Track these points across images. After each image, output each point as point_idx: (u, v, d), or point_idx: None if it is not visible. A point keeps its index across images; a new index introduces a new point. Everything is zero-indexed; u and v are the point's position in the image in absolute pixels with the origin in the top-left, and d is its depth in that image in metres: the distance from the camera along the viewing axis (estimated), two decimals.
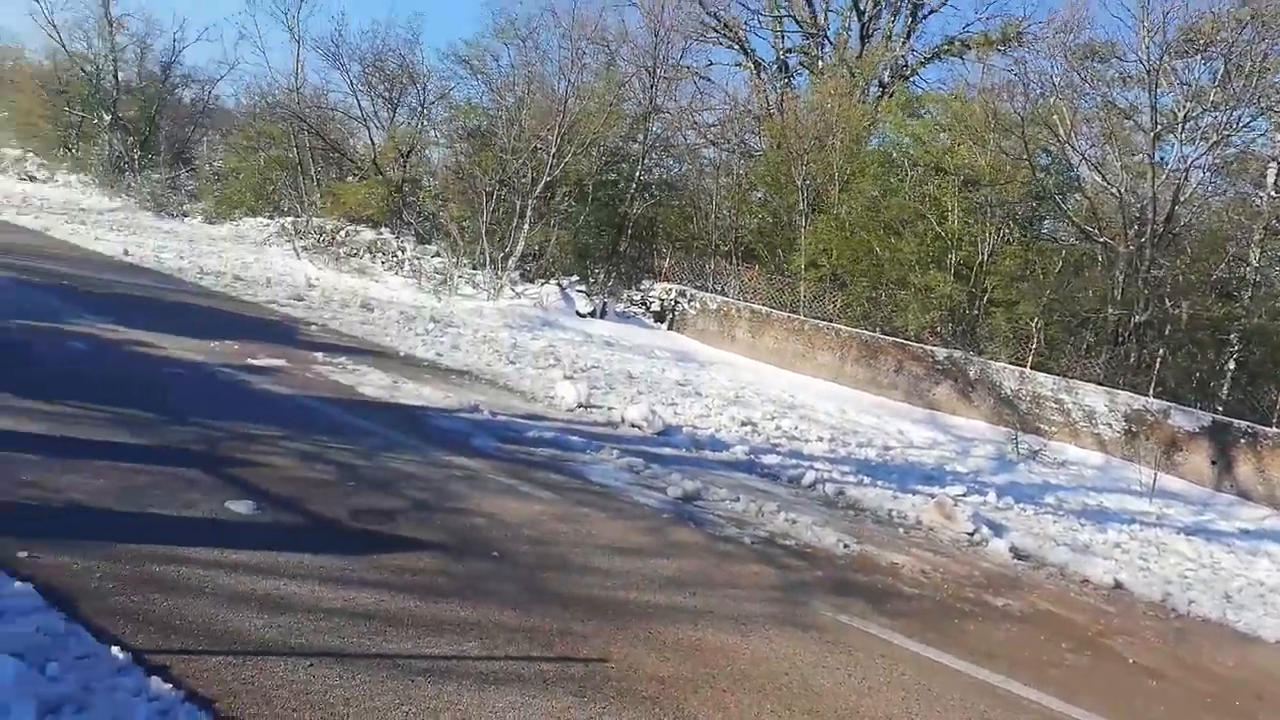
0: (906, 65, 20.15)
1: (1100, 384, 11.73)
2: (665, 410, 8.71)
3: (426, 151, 19.34)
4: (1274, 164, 13.87)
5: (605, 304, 15.05)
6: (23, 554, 3.22)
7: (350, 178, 18.65)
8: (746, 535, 5.46)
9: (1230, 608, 6.04)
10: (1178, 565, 6.99)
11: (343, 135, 19.50)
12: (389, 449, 5.69)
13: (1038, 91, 14.83)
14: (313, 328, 9.70)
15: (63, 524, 3.61)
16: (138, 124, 20.56)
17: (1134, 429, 11.07)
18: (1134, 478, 9.94)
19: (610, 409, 8.43)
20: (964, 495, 7.76)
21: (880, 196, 15.13)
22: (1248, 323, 13.01)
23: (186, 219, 17.76)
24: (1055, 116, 13.74)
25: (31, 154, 19.93)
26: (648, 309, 15.61)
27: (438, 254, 15.84)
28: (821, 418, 10.71)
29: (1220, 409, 11.83)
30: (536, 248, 15.87)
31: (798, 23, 20.77)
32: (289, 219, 16.94)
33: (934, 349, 12.86)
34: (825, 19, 20.49)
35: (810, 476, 7.28)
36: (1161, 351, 12.43)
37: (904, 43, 19.93)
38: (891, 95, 19.06)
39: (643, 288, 16.10)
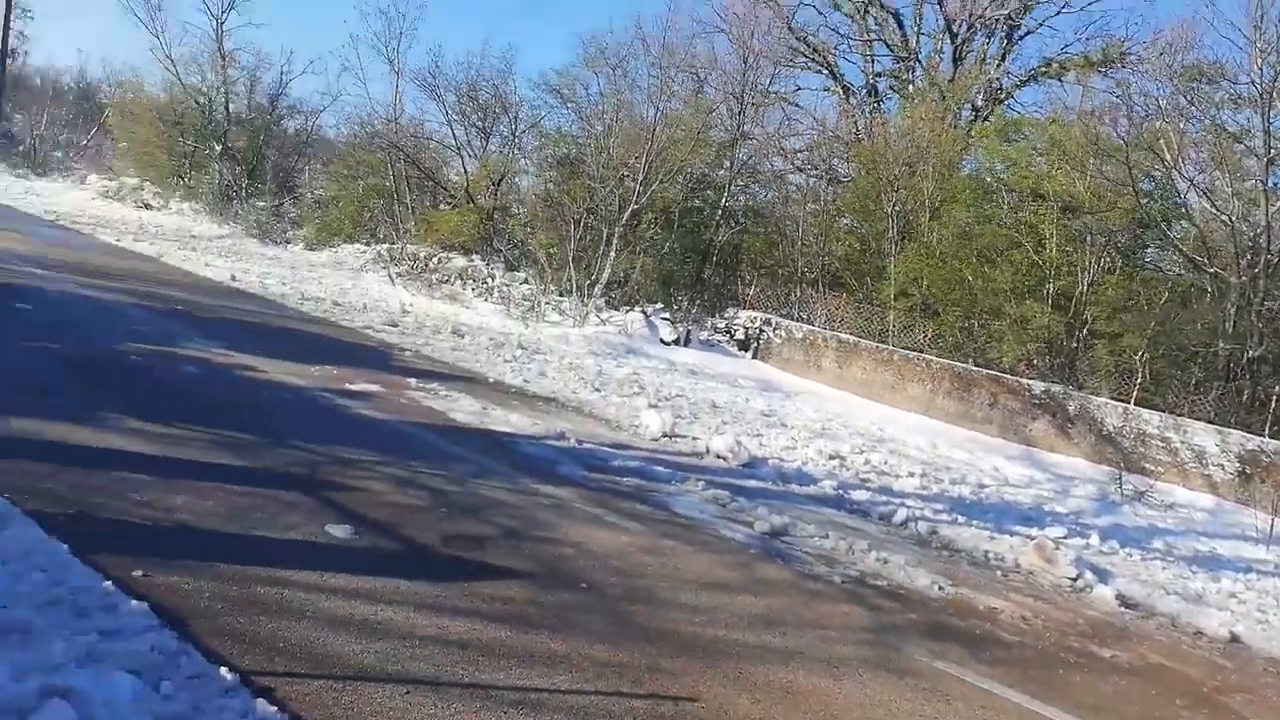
0: (1001, 88, 19.70)
1: (1211, 422, 11.14)
2: (750, 441, 8.63)
3: (516, 179, 19.76)
4: None
5: (689, 332, 15.04)
6: (138, 573, 3.37)
7: (443, 205, 19.17)
8: (836, 574, 5.35)
9: None
10: None
11: (437, 164, 20.08)
12: (479, 475, 5.78)
13: (1141, 114, 14.32)
14: (406, 353, 9.96)
15: (174, 544, 3.76)
16: (246, 154, 21.58)
17: (1248, 470, 10.47)
18: (1249, 523, 9.38)
19: (695, 439, 8.40)
20: (1065, 538, 7.45)
21: (973, 224, 14.78)
22: None
23: (289, 246, 18.51)
24: (1161, 141, 13.22)
25: (148, 183, 21.09)
26: (732, 337, 15.54)
27: (526, 281, 16.11)
28: (912, 452, 10.45)
29: None
30: (622, 275, 16.00)
31: (888, 46, 20.56)
32: (385, 246, 17.49)
33: (1030, 382, 12.44)
34: (917, 42, 20.23)
35: (902, 514, 7.10)
36: (1278, 389, 11.75)
37: (998, 65, 19.51)
38: (985, 119, 18.65)
39: (727, 315, 16.04)
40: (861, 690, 3.78)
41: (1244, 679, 5.12)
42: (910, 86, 19.84)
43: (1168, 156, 13.25)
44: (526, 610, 3.86)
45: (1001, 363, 13.33)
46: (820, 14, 20.60)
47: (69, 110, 28.70)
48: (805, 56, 20.57)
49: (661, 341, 14.56)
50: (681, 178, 17.09)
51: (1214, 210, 13.30)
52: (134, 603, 3.07)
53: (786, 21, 19.49)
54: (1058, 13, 19.17)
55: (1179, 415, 11.33)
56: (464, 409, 7.64)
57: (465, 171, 19.15)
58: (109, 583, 3.17)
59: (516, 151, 19.91)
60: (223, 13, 21.62)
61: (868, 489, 7.91)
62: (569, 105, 19.65)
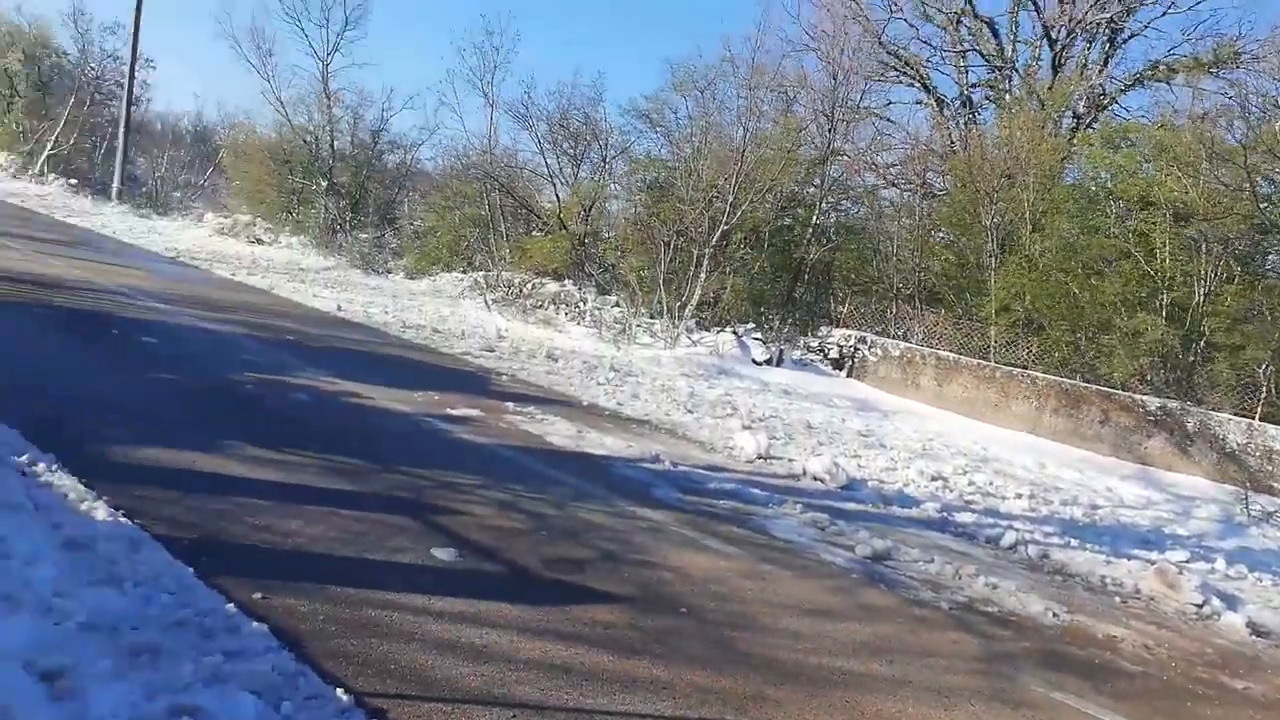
0: (1104, 94, 18.99)
1: None
2: (848, 463, 8.47)
3: (607, 204, 20.02)
4: None
5: (781, 351, 14.90)
6: (257, 595, 3.51)
7: (536, 233, 19.55)
8: (943, 600, 5.19)
9: None
10: None
11: (530, 192, 20.50)
12: (576, 498, 5.83)
13: (1258, 115, 13.59)
14: (503, 378, 10.15)
15: (290, 567, 3.91)
16: (350, 188, 22.48)
17: None
18: None
19: (791, 460, 8.30)
20: (1187, 561, 7.06)
21: (1078, 235, 14.24)
22: None
23: (390, 275, 19.15)
24: None
25: (259, 219, 22.16)
26: (825, 356, 15.32)
27: (617, 304, 16.26)
28: (1019, 472, 10.08)
29: None
30: (712, 296, 15.99)
31: (983, 56, 20.07)
32: (481, 273, 17.92)
33: (1144, 398, 11.86)
34: (1013, 50, 19.69)
35: (1010, 537, 6.84)
36: None
37: (1100, 71, 18.81)
38: (1088, 127, 17.99)
39: (820, 334, 15.83)
40: None
41: None
42: (1007, 96, 19.31)
43: None
44: (627, 635, 3.86)
45: (1112, 378, 12.76)
46: (911, 27, 20.32)
47: (187, 152, 30.45)
48: (896, 70, 20.27)
49: (753, 362, 14.46)
50: (771, 197, 17.02)
51: None
52: (255, 624, 3.20)
53: (877, 37, 19.27)
54: (1163, 14, 18.43)
55: None
56: (560, 432, 7.74)
57: (557, 198, 19.50)
58: (231, 605, 3.32)
59: (607, 177, 20.19)
60: (328, 55, 22.68)
61: (973, 511, 7.66)
62: (658, 129, 19.85)
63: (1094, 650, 4.86)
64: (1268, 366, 11.48)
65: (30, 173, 26.48)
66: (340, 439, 6.20)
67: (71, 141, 27.68)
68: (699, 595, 4.50)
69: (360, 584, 3.83)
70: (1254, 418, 11.01)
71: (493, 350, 12.02)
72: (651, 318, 15.52)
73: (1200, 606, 5.97)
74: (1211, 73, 17.25)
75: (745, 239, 16.93)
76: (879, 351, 14.72)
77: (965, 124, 19.66)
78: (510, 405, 8.44)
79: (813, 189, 18.08)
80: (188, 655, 2.92)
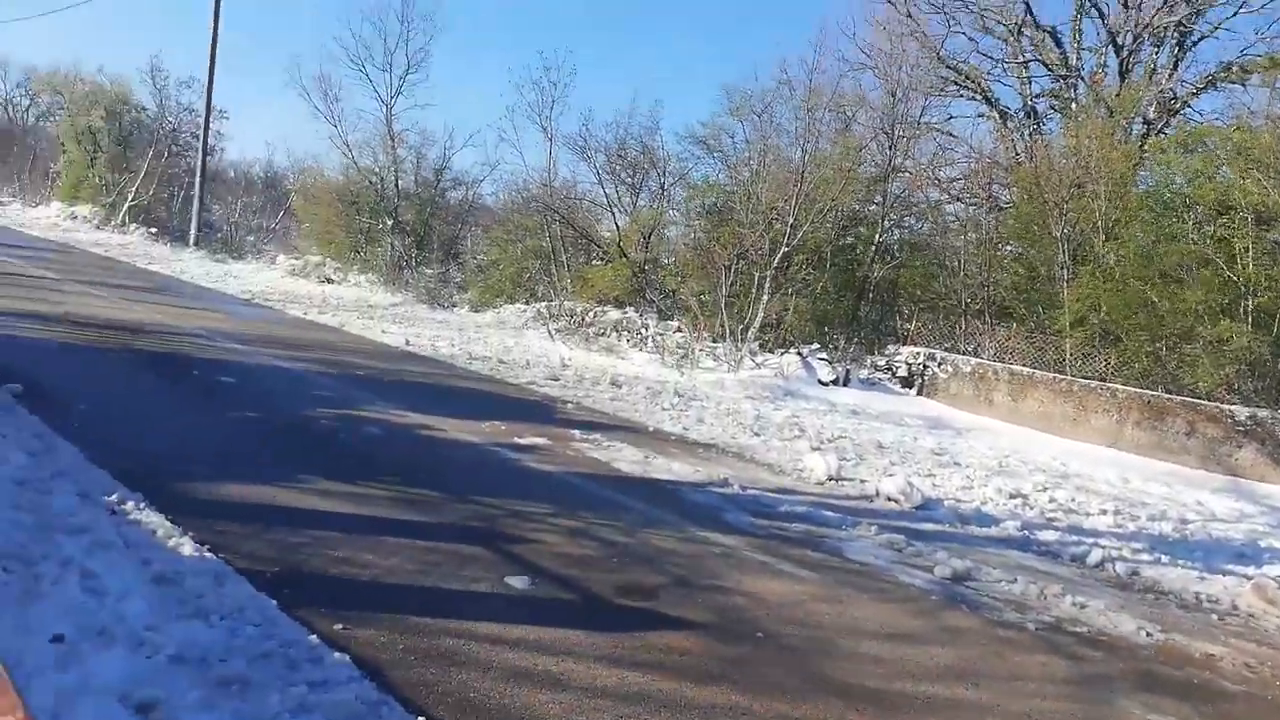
0: (1175, 98, 18.42)
1: None
2: (922, 482, 8.27)
3: (665, 231, 20.11)
4: None
5: (848, 371, 14.69)
6: (338, 626, 3.56)
7: (596, 261, 19.71)
8: (1029, 621, 5.01)
9: None
10: None
11: (589, 222, 20.71)
12: (647, 524, 5.81)
13: None
14: (568, 406, 10.21)
15: (368, 598, 3.96)
16: (414, 226, 23.01)
17: None
18: None
19: (862, 481, 8.15)
20: None
21: (1155, 242, 13.79)
22: None
23: (456, 309, 19.49)
24: None
25: (329, 259, 22.79)
26: (893, 374, 15.05)
27: (679, 329, 16.26)
28: (1102, 488, 9.73)
29: None
30: (775, 318, 15.88)
31: (1046, 65, 19.67)
32: (543, 304, 18.13)
33: (1232, 408, 11.37)
34: (1078, 58, 19.25)
35: (1096, 555, 6.59)
36: None
37: (1170, 75, 18.27)
38: (1159, 132, 17.47)
39: (887, 352, 15.57)
40: None
41: None
42: (1073, 104, 18.88)
43: None
44: (704, 662, 3.81)
45: (1197, 388, 12.26)
46: (971, 40, 20.02)
47: (259, 198, 31.57)
48: (957, 85, 19.99)
49: (819, 382, 14.28)
50: (832, 216, 16.88)
51: None
52: (337, 655, 3.24)
53: (935, 52, 19.05)
54: (1234, 14, 17.82)
55: None
56: (627, 458, 7.74)
57: (617, 227, 19.65)
58: (314, 636, 3.37)
59: (665, 204, 20.28)
60: (391, 98, 23.34)
61: (1055, 529, 7.40)
62: (715, 154, 19.88)
63: (1191, 670, 4.63)
64: None
65: (113, 223, 27.74)
66: (412, 470, 6.29)
67: (151, 192, 28.92)
68: (775, 620, 4.43)
69: (437, 613, 3.86)
70: None
71: (557, 379, 12.11)
72: (714, 341, 15.47)
73: None
74: None
75: (807, 259, 16.80)
76: (949, 368, 14.42)
77: (1030, 135, 19.27)
78: (576, 433, 8.47)
79: (874, 207, 17.90)
80: (274, 686, 2.97)
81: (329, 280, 21.24)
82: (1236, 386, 12.20)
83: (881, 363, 15.33)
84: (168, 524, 4.30)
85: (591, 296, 17.99)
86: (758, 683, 3.67)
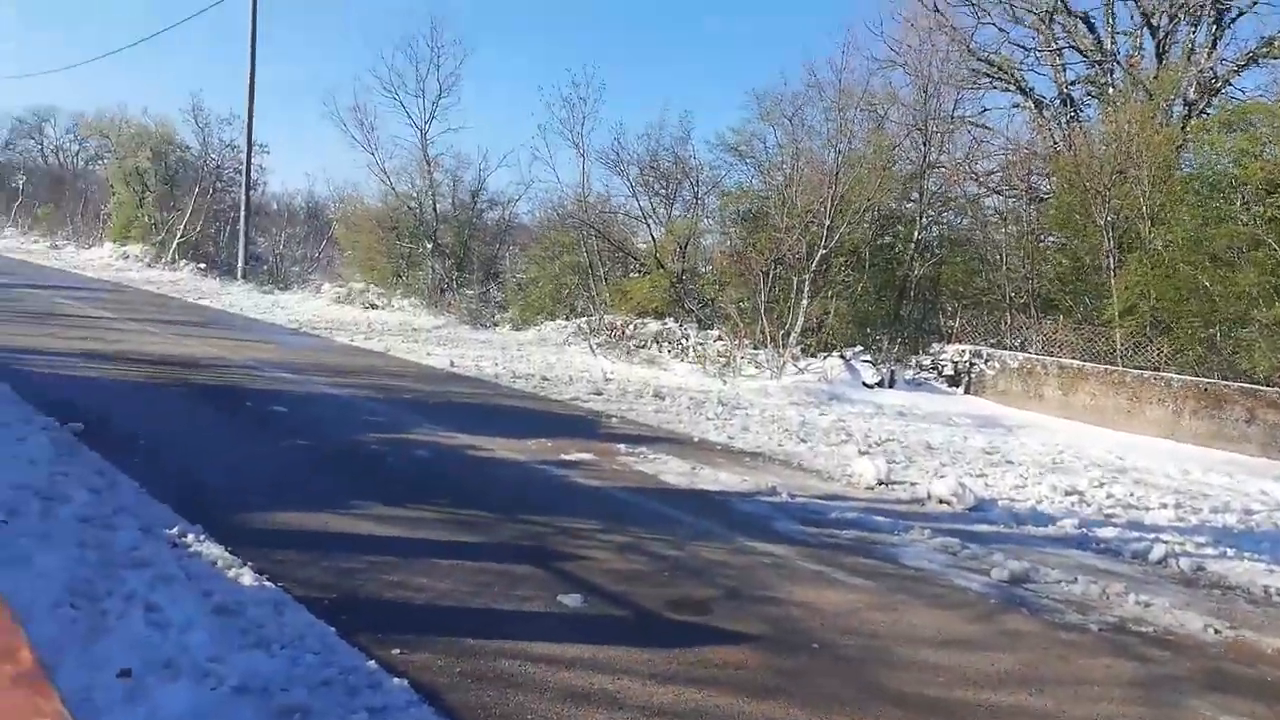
0: (1215, 77, 17.97)
1: None
2: (974, 482, 8.15)
3: (701, 239, 20.09)
4: None
5: (893, 372, 14.53)
6: (396, 651, 3.61)
7: (634, 274, 19.77)
8: (1091, 622, 4.90)
9: None
10: None
11: (625, 235, 20.78)
12: (696, 537, 5.80)
13: None
14: (612, 420, 10.23)
15: (423, 621, 4.01)
16: (454, 248, 23.29)
17: None
18: None
19: (913, 484, 8.04)
20: None
21: (1202, 226, 13.45)
22: None
23: (497, 328, 19.66)
24: None
25: (372, 285, 23.15)
26: (939, 374, 14.85)
27: (719, 337, 16.22)
28: (1161, 481, 9.49)
29: None
30: (816, 321, 15.77)
31: (1080, 52, 19.32)
32: (583, 319, 18.21)
33: None
34: (1112, 42, 18.88)
35: (1159, 550, 6.42)
36: None
37: (1210, 53, 17.84)
38: (1202, 113, 17.05)
39: (932, 351, 15.38)
40: None
41: None
42: (1110, 89, 18.51)
43: None
44: (760, 675, 3.79)
45: (1255, 374, 11.93)
46: (1001, 31, 19.73)
47: (302, 228, 32.20)
48: (989, 76, 19.72)
49: (864, 385, 14.14)
50: (869, 216, 16.75)
51: None
52: (395, 680, 3.29)
53: (965, 45, 18.82)
54: None
55: None
56: (673, 470, 7.73)
57: (652, 239, 19.69)
58: (372, 662, 3.42)
59: (700, 213, 20.29)
60: (425, 124, 23.67)
61: (1114, 525, 7.23)
62: (747, 161, 19.86)
63: (1264, 668, 4.49)
64: None
65: (163, 261, 28.48)
66: (461, 491, 6.36)
67: (198, 228, 29.65)
68: (830, 630, 4.39)
69: (492, 635, 3.89)
70: None
71: (600, 393, 12.15)
72: (755, 348, 15.41)
73: None
74: None
75: (845, 261, 16.68)
76: (996, 365, 14.19)
77: (1067, 123, 18.92)
78: (622, 446, 8.49)
79: (911, 204, 17.72)
80: (335, 713, 3.02)
81: (373, 306, 21.56)
82: None
83: (927, 362, 15.14)
84: (227, 555, 4.40)
85: (630, 309, 18.04)
86: (815, 695, 3.64)
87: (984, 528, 6.81)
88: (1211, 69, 17.80)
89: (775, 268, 15.94)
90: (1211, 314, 12.87)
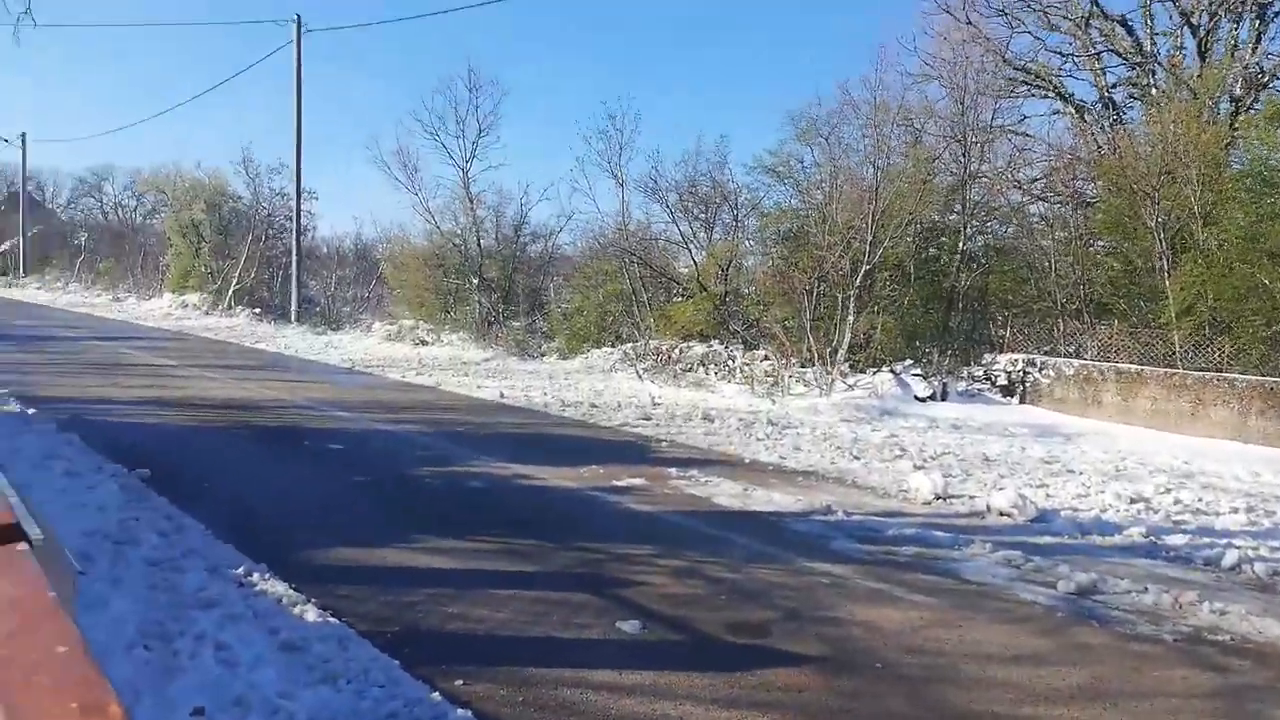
0: (1262, 72, 17.57)
1: None
2: (1035, 493, 7.99)
3: (743, 261, 20.09)
4: None
5: (945, 384, 14.33)
6: (458, 682, 3.65)
7: (677, 298, 19.82)
8: (1165, 632, 4.76)
9: None
10: None
11: (666, 260, 20.87)
12: (751, 559, 5.76)
13: None
14: (662, 444, 10.24)
15: (484, 652, 4.04)
16: (499, 281, 23.59)
17: None
18: None
19: (971, 498, 7.90)
20: None
21: (1257, 222, 13.10)
22: None
23: (544, 359, 19.83)
24: None
25: (421, 321, 23.52)
26: (993, 384, 14.61)
27: (766, 357, 16.16)
28: (1230, 484, 9.20)
29: None
30: (863, 337, 15.64)
31: (1119, 55, 19.05)
32: (629, 345, 18.29)
33: None
34: (1152, 44, 18.59)
35: (1231, 556, 6.22)
36: None
37: (1254, 49, 17.45)
38: (1249, 109, 16.67)
39: (984, 362, 15.14)
40: None
41: None
42: (1153, 90, 18.20)
43: None
44: (824, 697, 3.75)
45: None
46: (1036, 39, 19.54)
47: (351, 270, 32.89)
48: (1027, 84, 19.53)
49: (916, 399, 13.97)
50: (912, 230, 16.63)
51: None
52: (459, 711, 3.32)
53: (1000, 54, 18.67)
54: None
55: None
56: (725, 492, 7.71)
57: (694, 263, 19.75)
58: (436, 694, 3.46)
59: (740, 235, 20.30)
60: (467, 163, 24.10)
61: (1184, 532, 7.03)
62: (786, 181, 19.85)
63: None
64: None
65: (220, 308, 29.28)
66: (516, 521, 6.41)
67: (253, 275, 30.46)
68: (893, 649, 4.32)
69: (552, 663, 3.91)
70: None
71: (649, 418, 12.17)
72: (803, 367, 15.32)
73: None
74: None
75: (890, 275, 16.56)
76: (1051, 372, 13.93)
77: (1111, 126, 18.63)
78: (673, 470, 8.48)
79: (954, 216, 17.54)
80: None
81: (423, 342, 21.89)
82: None
83: (979, 373, 14.91)
84: (291, 592, 4.49)
85: (675, 333, 18.07)
86: (880, 715, 3.59)
87: (1047, 539, 6.66)
88: (1257, 64, 17.42)
89: (819, 285, 15.87)
90: (1273, 311, 12.50)
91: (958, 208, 17.39)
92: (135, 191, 54.38)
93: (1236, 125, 15.77)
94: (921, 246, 17.33)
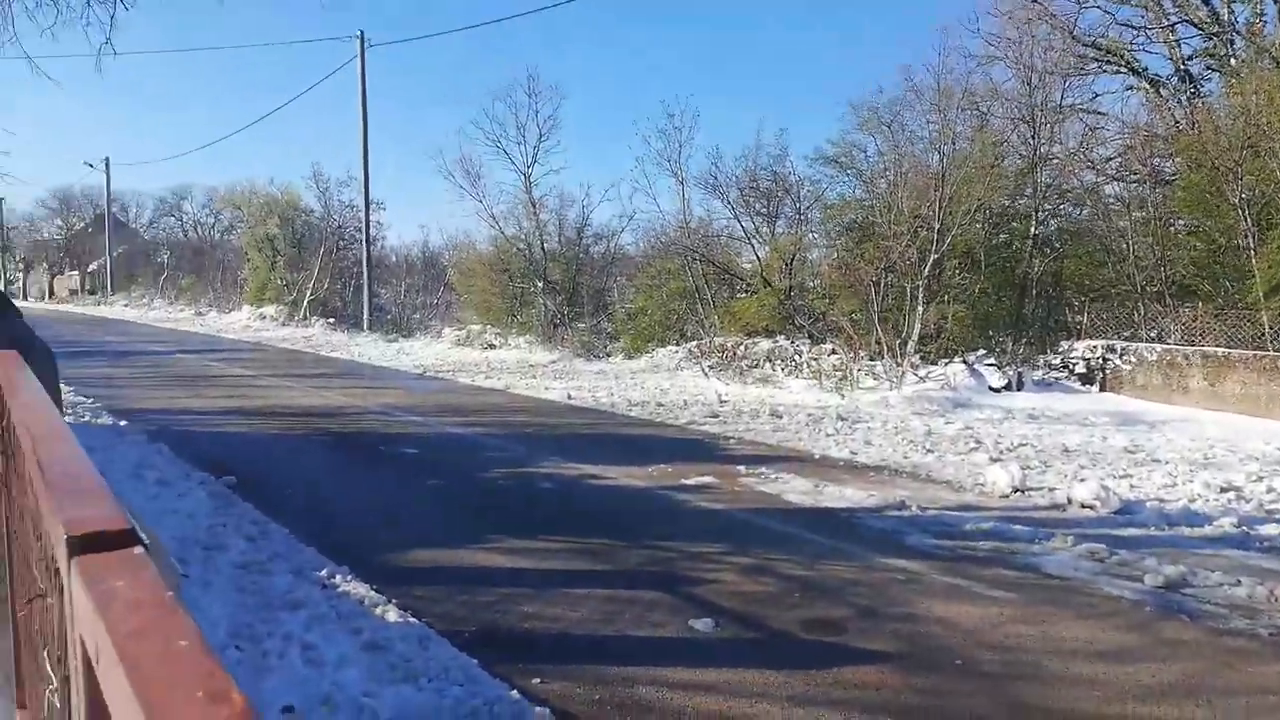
0: None
1: None
2: (1118, 484, 7.74)
3: (807, 254, 19.90)
4: None
5: (1020, 374, 13.97)
6: (536, 680, 3.70)
7: (741, 294, 19.74)
8: (1260, 626, 4.57)
9: None
10: None
11: (729, 256, 20.81)
12: (824, 555, 5.72)
13: None
14: (730, 441, 10.21)
15: (560, 650, 4.10)
16: (563, 283, 23.82)
17: None
18: None
19: (1051, 490, 7.70)
20: None
21: None
22: None
23: (609, 359, 19.95)
24: None
25: (489, 326, 23.89)
26: (1071, 372, 14.20)
27: (833, 351, 15.98)
28: None
29: None
30: (933, 328, 15.35)
31: (1195, 25, 18.30)
32: (694, 343, 18.28)
33: None
34: (1229, 12, 17.81)
35: None
36: None
37: None
38: None
39: (1060, 349, 14.72)
40: None
41: None
42: (1232, 61, 17.45)
43: None
44: (901, 695, 3.70)
45: None
46: (1106, 13, 18.90)
47: (419, 277, 33.59)
48: (1097, 61, 18.91)
49: (990, 389, 13.65)
50: (981, 215, 16.25)
51: None
52: (538, 709, 3.38)
53: (1069, 31, 18.12)
54: None
55: None
56: (796, 489, 7.65)
57: (757, 258, 19.65)
58: (514, 692, 3.52)
59: (803, 228, 20.12)
60: (528, 168, 24.42)
61: (1278, 522, 6.73)
62: (849, 172, 19.62)
63: None
64: None
65: (296, 319, 30.18)
66: (586, 520, 6.47)
67: (326, 286, 31.32)
68: (972, 646, 4.24)
69: (627, 661, 3.94)
70: None
71: (716, 415, 12.14)
72: (871, 360, 15.10)
73: None
74: None
75: (960, 264, 16.20)
76: (1132, 358, 13.47)
77: (1188, 100, 17.92)
78: (742, 468, 8.45)
79: (1025, 200, 17.09)
80: None
81: (491, 346, 22.22)
82: None
83: (1056, 361, 14.50)
84: (373, 593, 4.61)
85: (740, 329, 17.99)
86: (961, 713, 3.53)
87: (1132, 531, 6.45)
88: None
89: (886, 276, 15.63)
90: None
91: (1028, 191, 16.93)
92: (213, 209, 56.56)
93: None
94: (991, 233, 16.92)
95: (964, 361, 14.58)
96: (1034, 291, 16.56)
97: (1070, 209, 18.25)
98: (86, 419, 10.25)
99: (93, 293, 55.26)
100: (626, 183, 34.94)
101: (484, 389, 15.15)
